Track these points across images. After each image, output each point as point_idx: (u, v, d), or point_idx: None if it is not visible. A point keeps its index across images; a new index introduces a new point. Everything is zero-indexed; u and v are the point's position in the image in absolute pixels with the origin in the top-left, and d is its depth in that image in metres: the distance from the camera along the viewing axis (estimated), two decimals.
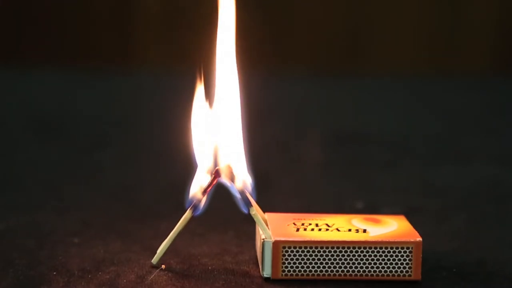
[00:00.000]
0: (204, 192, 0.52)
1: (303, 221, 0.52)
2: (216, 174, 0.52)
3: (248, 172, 0.53)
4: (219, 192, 0.65)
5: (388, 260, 0.50)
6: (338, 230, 0.51)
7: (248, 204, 0.51)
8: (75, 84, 1.27)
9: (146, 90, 1.25)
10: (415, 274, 0.50)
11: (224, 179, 0.52)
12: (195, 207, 0.52)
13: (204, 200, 0.52)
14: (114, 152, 0.86)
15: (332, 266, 0.50)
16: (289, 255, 0.50)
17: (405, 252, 0.50)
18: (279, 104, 1.16)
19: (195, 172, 0.53)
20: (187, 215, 0.52)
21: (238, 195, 0.51)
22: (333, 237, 0.50)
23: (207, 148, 0.53)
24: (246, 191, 0.52)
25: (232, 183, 0.51)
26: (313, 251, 0.50)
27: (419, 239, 0.50)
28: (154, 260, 0.52)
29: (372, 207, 0.67)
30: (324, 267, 0.50)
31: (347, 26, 1.58)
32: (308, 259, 0.50)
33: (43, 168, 0.79)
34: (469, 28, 1.57)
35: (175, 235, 0.52)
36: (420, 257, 0.50)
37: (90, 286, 0.49)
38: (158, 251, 0.52)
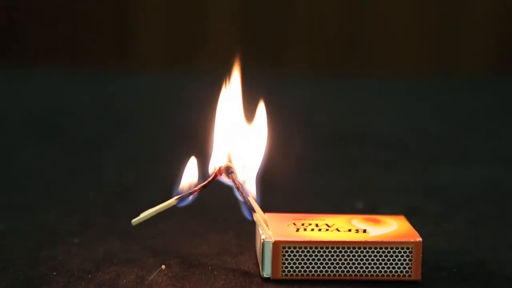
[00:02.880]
0: (204, 187, 0.52)
1: (303, 221, 0.52)
2: (217, 172, 0.52)
3: (257, 178, 0.53)
4: (219, 192, 0.65)
5: (388, 260, 0.50)
6: (338, 230, 0.51)
7: (252, 210, 0.51)
8: (74, 84, 1.27)
9: (146, 90, 1.25)
10: (415, 274, 0.50)
11: (225, 179, 0.52)
12: (182, 198, 0.52)
13: (193, 194, 0.52)
14: (114, 152, 0.86)
15: (332, 266, 0.50)
16: (289, 255, 0.50)
17: (405, 252, 0.50)
18: (279, 104, 1.16)
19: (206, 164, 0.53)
20: (171, 201, 0.52)
21: (241, 199, 0.52)
22: (333, 237, 0.50)
23: (222, 148, 0.53)
24: (250, 195, 0.52)
25: (231, 181, 0.51)
26: (313, 251, 0.50)
27: (419, 239, 0.50)
28: (134, 221, 0.52)
29: (372, 207, 0.67)
30: (324, 267, 0.50)
31: (348, 26, 1.58)
32: (308, 259, 0.50)
33: (43, 168, 0.79)
34: (469, 28, 1.57)
35: (156, 212, 0.52)
36: (420, 257, 0.50)
37: (90, 286, 0.49)
38: (142, 215, 0.52)
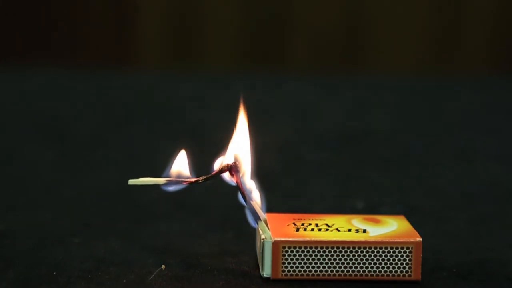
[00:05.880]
0: (206, 179, 0.52)
1: (303, 221, 0.52)
2: (224, 167, 0.51)
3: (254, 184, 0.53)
4: (219, 192, 0.65)
5: (388, 260, 0.50)
6: (338, 230, 0.51)
7: (257, 218, 0.51)
8: (75, 83, 1.27)
9: (146, 90, 1.25)
10: (415, 274, 0.50)
11: (228, 177, 0.52)
12: (171, 182, 0.52)
13: (182, 183, 0.52)
14: (114, 152, 0.86)
15: (332, 266, 0.50)
16: (289, 255, 0.50)
17: (405, 252, 0.50)
18: (279, 104, 1.16)
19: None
20: (162, 180, 0.52)
21: (243, 201, 0.51)
22: (333, 237, 0.50)
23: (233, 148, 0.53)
24: (254, 201, 0.52)
25: (235, 180, 0.51)
26: (313, 251, 0.50)
27: (419, 239, 0.50)
28: (131, 182, 0.52)
29: (372, 207, 0.67)
30: (324, 267, 0.50)
31: (347, 26, 1.58)
32: (308, 259, 0.50)
33: (43, 168, 0.79)
34: (469, 28, 1.57)
35: (151, 183, 0.52)
36: (420, 257, 0.50)
37: (90, 286, 0.49)
38: (140, 179, 0.52)
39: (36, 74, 1.32)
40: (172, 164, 0.53)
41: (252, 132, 0.54)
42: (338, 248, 0.50)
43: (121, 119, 1.04)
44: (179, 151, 0.54)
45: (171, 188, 0.53)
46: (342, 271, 0.50)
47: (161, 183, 0.52)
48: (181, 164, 0.53)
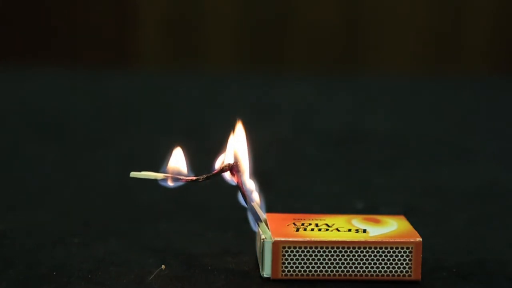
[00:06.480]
0: (207, 178, 0.52)
1: (303, 221, 0.52)
2: (225, 167, 0.51)
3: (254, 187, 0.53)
4: (219, 192, 0.65)
5: (388, 260, 0.50)
6: (338, 230, 0.51)
7: (257, 219, 0.51)
8: (75, 83, 1.27)
9: (146, 90, 1.25)
10: (415, 274, 0.50)
11: (228, 177, 0.52)
12: (169, 178, 0.52)
13: (180, 181, 0.52)
14: (114, 152, 0.86)
15: (332, 266, 0.50)
16: (289, 255, 0.50)
17: (405, 252, 0.50)
18: (279, 103, 1.16)
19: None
20: (158, 176, 0.52)
21: (243, 201, 0.51)
22: (333, 237, 0.50)
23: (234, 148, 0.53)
24: (255, 202, 0.52)
25: (236, 180, 0.51)
26: (313, 251, 0.50)
27: (419, 239, 0.50)
28: (133, 174, 0.52)
29: (372, 207, 0.67)
30: (324, 267, 0.50)
31: (347, 26, 1.58)
32: (308, 259, 0.50)
33: (43, 168, 0.79)
34: (469, 28, 1.57)
35: (152, 177, 0.52)
36: (420, 257, 0.50)
37: (90, 286, 0.49)
38: (142, 172, 0.52)
39: (36, 74, 1.32)
40: (169, 161, 0.53)
41: (252, 132, 0.54)
42: (338, 248, 0.50)
43: (121, 119, 1.04)
44: (175, 148, 0.54)
45: (172, 184, 0.53)
46: (342, 271, 0.50)
47: (162, 178, 0.52)
48: (179, 162, 0.53)
